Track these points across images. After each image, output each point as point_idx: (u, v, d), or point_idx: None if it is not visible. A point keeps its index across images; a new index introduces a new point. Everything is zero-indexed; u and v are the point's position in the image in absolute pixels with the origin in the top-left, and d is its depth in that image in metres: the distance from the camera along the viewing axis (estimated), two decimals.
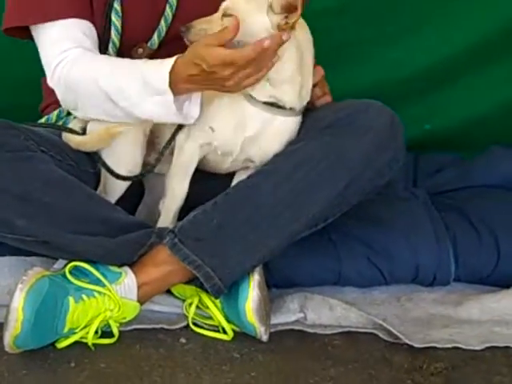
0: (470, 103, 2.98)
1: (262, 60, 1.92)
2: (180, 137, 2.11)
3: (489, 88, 2.95)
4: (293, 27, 1.94)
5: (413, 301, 2.24)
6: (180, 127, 2.10)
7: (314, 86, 2.13)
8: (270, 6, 1.93)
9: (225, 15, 1.96)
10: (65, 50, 2.12)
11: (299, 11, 1.92)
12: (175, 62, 1.98)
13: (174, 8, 2.23)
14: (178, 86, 1.98)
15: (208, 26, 1.97)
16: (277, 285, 2.22)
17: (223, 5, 1.98)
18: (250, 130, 2.05)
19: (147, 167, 2.16)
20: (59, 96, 2.16)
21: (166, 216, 2.12)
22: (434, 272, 2.28)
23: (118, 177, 2.14)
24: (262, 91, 2.02)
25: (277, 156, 2.06)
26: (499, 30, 2.88)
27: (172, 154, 2.15)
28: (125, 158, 2.14)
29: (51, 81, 2.15)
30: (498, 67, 2.93)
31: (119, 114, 2.08)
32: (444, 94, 2.99)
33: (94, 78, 2.07)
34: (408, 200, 2.49)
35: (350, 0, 2.87)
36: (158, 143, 2.17)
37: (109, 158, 2.14)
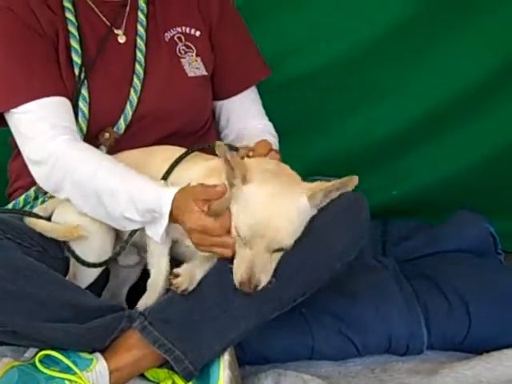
0: (436, 168, 3.02)
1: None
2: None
3: (452, 152, 3.01)
4: None
5: (387, 372, 2.23)
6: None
7: None
8: None
9: None
10: (54, 126, 2.11)
11: None
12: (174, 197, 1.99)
13: (139, 91, 2.25)
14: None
15: None
16: (250, 362, 2.21)
17: None
18: None
19: (113, 254, 2.15)
20: (42, 172, 2.13)
21: (153, 291, 2.09)
22: (406, 341, 2.29)
23: (86, 264, 2.12)
24: None
25: None
26: (456, 97, 2.95)
27: (135, 247, 2.19)
28: (94, 246, 2.14)
29: (36, 155, 2.12)
30: (460, 131, 2.99)
31: (99, 212, 2.08)
32: (408, 159, 3.04)
33: (93, 168, 2.06)
34: (377, 269, 2.50)
35: (313, 71, 2.93)
36: (123, 233, 2.16)
37: (78, 245, 2.13)
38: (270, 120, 2.45)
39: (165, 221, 2.00)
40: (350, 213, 2.02)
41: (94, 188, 2.05)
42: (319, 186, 1.92)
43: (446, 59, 2.93)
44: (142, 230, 2.09)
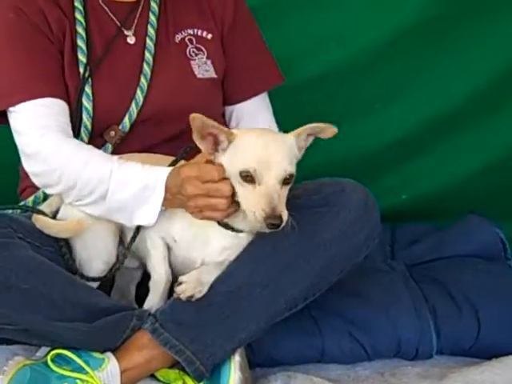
0: (445, 171, 3.02)
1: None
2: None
3: (462, 156, 3.00)
4: None
5: (396, 376, 2.23)
6: (134, 239, 2.11)
7: None
8: None
9: None
10: (46, 125, 2.13)
11: None
12: (170, 172, 2.01)
13: (145, 91, 2.26)
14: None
15: None
16: (260, 364, 2.21)
17: None
18: (208, 247, 2.07)
19: (115, 265, 2.14)
20: (33, 167, 2.15)
21: (155, 294, 2.11)
22: (416, 345, 2.28)
23: (88, 279, 2.12)
24: None
25: (253, 241, 2.05)
26: (466, 100, 2.95)
27: (133, 255, 2.19)
28: (100, 250, 2.14)
29: (27, 149, 2.14)
30: (470, 135, 2.98)
31: (89, 201, 2.08)
32: (418, 163, 3.04)
33: (85, 160, 2.07)
34: (386, 273, 2.51)
35: (323, 74, 2.93)
36: (125, 238, 2.17)
37: (84, 250, 2.13)
38: (279, 123, 2.45)
39: (161, 192, 2.00)
40: (361, 214, 2.04)
41: (87, 177, 2.06)
42: (300, 129, 1.98)
43: (457, 62, 2.93)
44: (139, 241, 2.10)
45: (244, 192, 1.91)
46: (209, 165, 1.95)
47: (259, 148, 1.92)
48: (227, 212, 1.96)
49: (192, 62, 2.34)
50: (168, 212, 2.05)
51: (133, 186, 2.03)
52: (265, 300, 2.01)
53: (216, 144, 1.94)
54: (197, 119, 1.91)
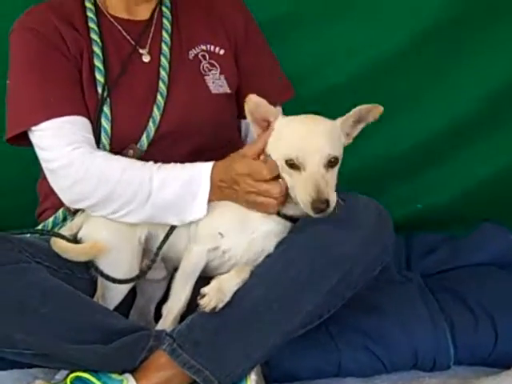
0: (459, 180, 3.01)
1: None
2: (190, 244, 2.14)
3: (476, 164, 2.99)
4: None
5: None
6: (167, 237, 2.15)
7: None
8: None
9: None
10: (72, 142, 2.15)
11: None
12: (214, 164, 2.08)
13: (162, 108, 2.28)
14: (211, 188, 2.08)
15: None
16: (277, 380, 2.22)
17: None
18: (255, 232, 2.09)
19: (140, 272, 2.18)
20: (70, 179, 2.15)
21: (167, 318, 2.13)
22: (433, 357, 2.29)
23: (115, 281, 2.15)
24: None
25: (268, 256, 2.08)
26: (478, 110, 2.94)
27: (163, 261, 2.22)
28: (121, 266, 2.16)
29: (54, 164, 2.16)
30: (486, 143, 2.98)
31: (131, 206, 2.12)
32: (433, 172, 3.04)
33: (121, 168, 2.13)
34: (402, 284, 2.52)
35: (334, 87, 2.93)
36: (150, 251, 2.20)
37: (105, 267, 2.15)
38: None
39: (207, 185, 2.07)
40: (375, 229, 2.05)
41: (127, 182, 2.10)
42: (347, 115, 2.06)
43: (468, 72, 2.92)
44: (169, 243, 2.13)
45: (291, 179, 1.98)
46: (259, 162, 2.03)
47: (301, 135, 1.99)
48: (278, 208, 2.03)
49: (206, 78, 2.36)
50: (211, 207, 2.10)
51: (177, 182, 2.08)
52: (280, 318, 2.02)
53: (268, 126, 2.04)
54: (250, 101, 2.02)
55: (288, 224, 2.09)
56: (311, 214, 1.93)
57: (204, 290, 2.02)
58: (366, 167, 2.99)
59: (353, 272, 2.03)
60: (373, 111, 2.03)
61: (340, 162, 2.00)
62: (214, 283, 2.03)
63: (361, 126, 2.07)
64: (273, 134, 2.03)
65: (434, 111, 2.97)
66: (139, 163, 2.16)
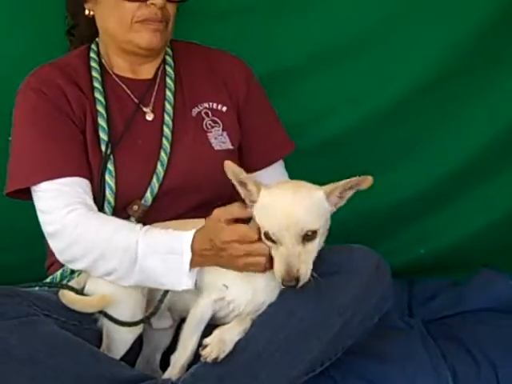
0: (461, 226, 3.03)
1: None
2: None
3: (479, 210, 3.02)
4: None
5: None
6: (167, 292, 2.18)
7: None
8: None
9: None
10: (69, 203, 2.20)
11: None
12: (194, 234, 2.10)
13: (166, 165, 2.33)
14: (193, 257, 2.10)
15: None
16: None
17: None
18: (258, 283, 2.13)
19: (148, 314, 2.21)
20: (57, 245, 2.22)
21: (174, 367, 2.15)
22: None
23: (122, 324, 2.18)
24: None
25: (270, 306, 2.11)
26: (479, 155, 2.97)
27: (169, 310, 2.25)
28: (126, 313, 2.20)
29: (51, 228, 2.22)
30: (485, 190, 3.01)
31: (120, 272, 2.16)
32: (435, 217, 3.06)
33: (113, 230, 2.17)
34: (404, 331, 2.53)
35: (334, 138, 2.97)
36: (154, 302, 2.23)
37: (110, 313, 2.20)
38: None
39: (188, 256, 2.09)
40: (373, 278, 2.10)
41: (114, 248, 2.14)
42: (335, 184, 2.04)
43: (470, 118, 2.95)
44: (175, 293, 2.17)
45: (271, 249, 2.02)
46: (244, 226, 2.05)
47: (278, 210, 2.00)
48: (268, 266, 2.04)
49: (209, 135, 2.41)
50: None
51: (159, 251, 2.11)
52: (283, 366, 2.05)
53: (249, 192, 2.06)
54: (228, 167, 2.06)
55: None
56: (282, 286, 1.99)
57: (206, 340, 2.06)
58: (368, 213, 3.00)
59: (352, 321, 2.07)
60: (364, 183, 2.03)
61: (326, 229, 2.03)
62: (215, 334, 2.07)
63: (352, 192, 2.07)
64: (256, 204, 2.05)
65: (434, 159, 3.00)
66: (128, 228, 2.19)
